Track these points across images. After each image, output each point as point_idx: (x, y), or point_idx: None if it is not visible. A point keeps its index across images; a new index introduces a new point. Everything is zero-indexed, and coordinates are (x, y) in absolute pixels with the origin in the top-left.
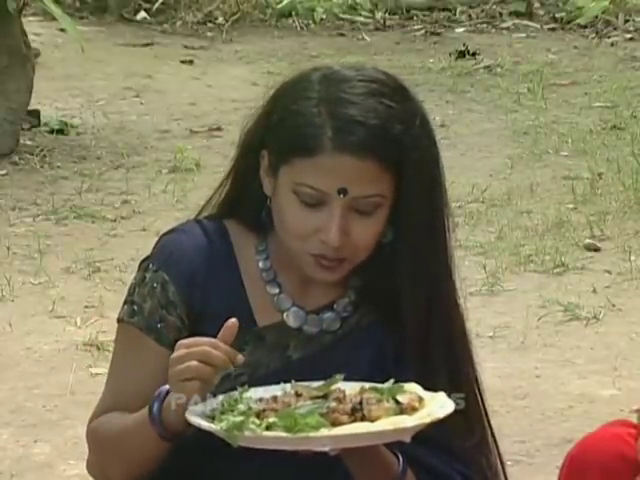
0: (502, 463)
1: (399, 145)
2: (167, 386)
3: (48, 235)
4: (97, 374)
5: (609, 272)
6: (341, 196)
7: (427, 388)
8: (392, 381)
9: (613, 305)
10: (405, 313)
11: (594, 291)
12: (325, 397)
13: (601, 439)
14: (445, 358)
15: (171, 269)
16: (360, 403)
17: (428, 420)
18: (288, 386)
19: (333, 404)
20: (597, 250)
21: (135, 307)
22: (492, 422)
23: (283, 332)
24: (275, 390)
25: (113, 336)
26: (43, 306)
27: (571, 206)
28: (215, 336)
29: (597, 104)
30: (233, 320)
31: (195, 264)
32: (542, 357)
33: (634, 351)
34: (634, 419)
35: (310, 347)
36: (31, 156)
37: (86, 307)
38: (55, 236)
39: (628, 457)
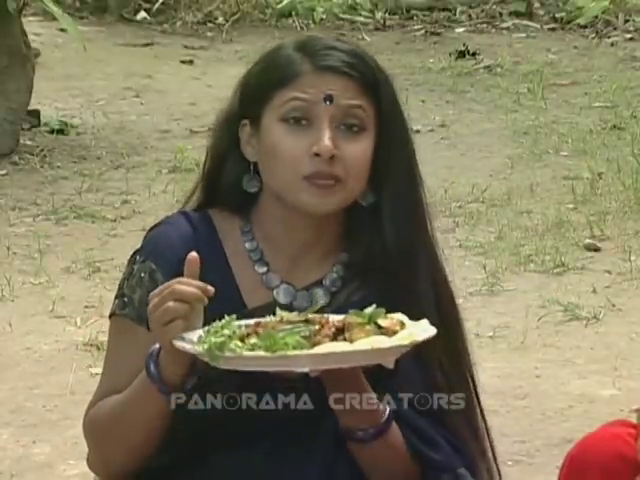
0: (489, 435)
1: (374, 71)
2: (157, 344)
3: (48, 235)
4: (97, 374)
5: (609, 272)
6: (327, 103)
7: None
8: (374, 306)
9: (613, 305)
10: (390, 264)
11: (594, 291)
12: (308, 322)
13: (601, 439)
14: (434, 300)
15: (158, 258)
16: (342, 327)
17: (407, 342)
18: (275, 315)
19: (316, 327)
20: (597, 250)
21: (125, 299)
22: (492, 422)
23: (273, 312)
24: (259, 319)
25: None
26: (43, 306)
27: (571, 206)
28: (207, 320)
29: (597, 104)
30: (193, 254)
31: (181, 251)
32: (542, 357)
33: (634, 351)
34: (634, 419)
35: None
36: (31, 156)
37: (86, 307)
38: (55, 236)
39: (628, 457)
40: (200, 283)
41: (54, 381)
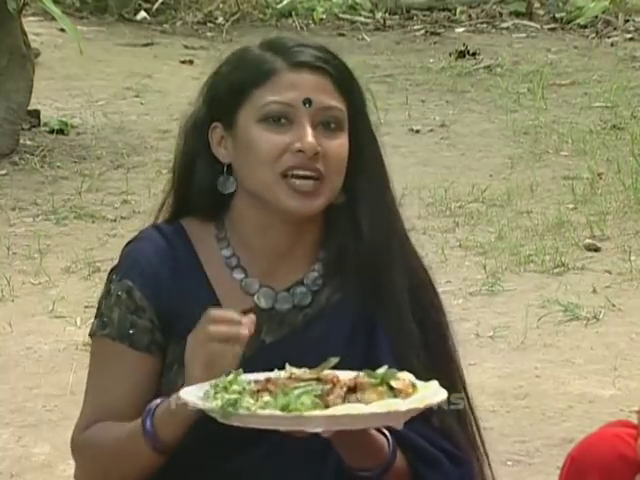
0: (480, 434)
1: (345, 68)
2: (157, 400)
3: (48, 235)
4: None
5: (609, 272)
6: (307, 106)
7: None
8: (386, 367)
9: (613, 305)
10: (366, 261)
11: (594, 291)
12: (319, 380)
13: (601, 439)
14: (411, 301)
15: (134, 276)
16: (354, 387)
17: (422, 405)
18: (282, 371)
19: (328, 386)
20: (597, 250)
21: (105, 319)
22: (492, 422)
23: (256, 316)
24: (269, 374)
25: None
26: (43, 306)
27: (571, 206)
28: (187, 333)
29: (597, 104)
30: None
31: (158, 267)
32: (542, 357)
33: (634, 351)
34: (634, 419)
35: (282, 329)
36: (31, 156)
37: (86, 307)
38: (55, 236)
39: (628, 457)
40: (233, 315)
41: (54, 381)
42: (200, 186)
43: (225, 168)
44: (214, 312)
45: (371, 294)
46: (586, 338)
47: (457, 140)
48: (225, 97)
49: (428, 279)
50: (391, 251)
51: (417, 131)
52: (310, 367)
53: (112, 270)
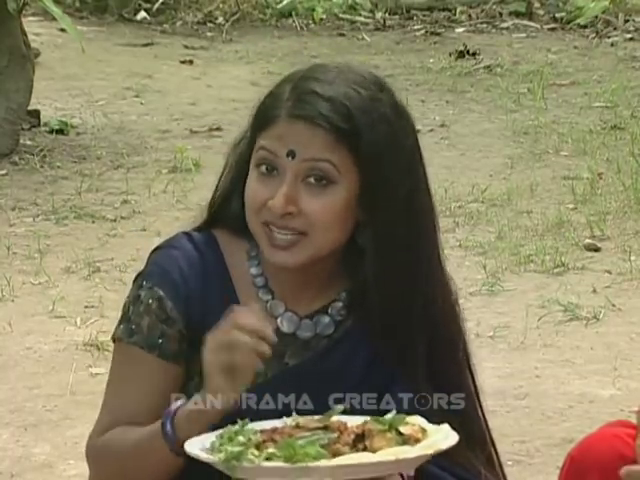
0: (500, 464)
1: (355, 119)
2: (179, 402)
3: (48, 235)
4: (97, 374)
5: (609, 272)
6: (289, 158)
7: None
8: (394, 412)
9: (613, 305)
10: (387, 296)
11: (594, 291)
12: (326, 428)
13: (601, 439)
14: (430, 360)
15: (166, 285)
16: (362, 434)
17: (431, 451)
18: (289, 419)
19: (334, 435)
20: (597, 250)
21: (133, 326)
22: (492, 422)
23: (279, 339)
24: (276, 423)
25: None
26: (43, 306)
27: (571, 206)
28: None
29: (597, 104)
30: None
31: (189, 279)
32: (542, 357)
33: (634, 351)
34: (634, 419)
35: (306, 353)
36: (31, 156)
37: (86, 307)
38: (55, 236)
39: (628, 457)
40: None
41: (54, 381)
42: (238, 205)
43: None
44: (240, 317)
45: (389, 331)
46: (586, 338)
47: (457, 140)
48: (251, 128)
49: (453, 329)
50: (412, 308)
51: (417, 131)
52: (329, 393)
53: (140, 275)
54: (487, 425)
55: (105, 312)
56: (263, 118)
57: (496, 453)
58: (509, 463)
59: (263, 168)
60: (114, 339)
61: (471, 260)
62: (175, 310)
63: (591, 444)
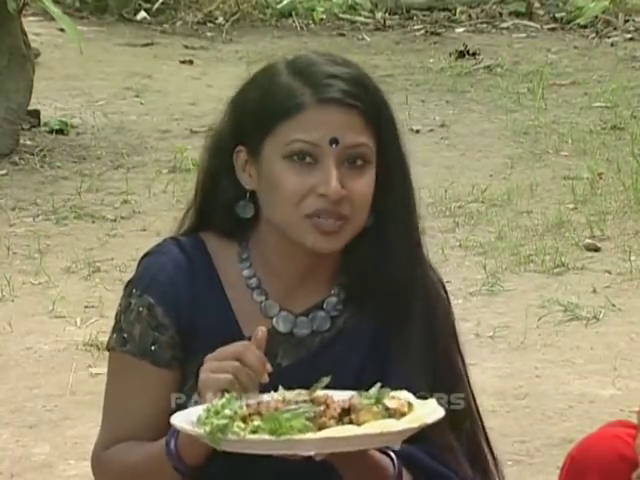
0: (494, 458)
1: (376, 97)
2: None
3: (48, 235)
4: (97, 374)
5: (609, 272)
6: (333, 146)
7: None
8: (379, 385)
9: (613, 305)
10: (388, 287)
11: (594, 291)
12: (312, 402)
13: (601, 439)
14: (428, 321)
15: (155, 292)
16: (348, 408)
17: (416, 425)
18: (276, 393)
19: (320, 408)
20: (597, 250)
21: (125, 335)
22: (492, 422)
23: (271, 340)
24: (262, 396)
25: None
26: (43, 306)
27: (571, 206)
28: (207, 352)
29: (597, 104)
30: (262, 329)
31: (178, 284)
32: (542, 357)
33: (634, 351)
34: (634, 419)
35: (299, 353)
36: (31, 156)
37: (86, 307)
38: (55, 236)
39: (628, 457)
40: (264, 359)
41: (54, 381)
42: (223, 205)
43: (248, 194)
44: (244, 353)
45: (387, 322)
46: (586, 338)
47: (457, 140)
48: (251, 124)
49: (444, 306)
50: (414, 280)
51: (417, 131)
52: (308, 388)
53: (129, 283)
54: (482, 421)
55: (105, 312)
56: (281, 108)
57: (490, 449)
58: (509, 463)
59: (295, 157)
60: (108, 349)
61: (471, 260)
62: (166, 316)
63: (591, 444)
